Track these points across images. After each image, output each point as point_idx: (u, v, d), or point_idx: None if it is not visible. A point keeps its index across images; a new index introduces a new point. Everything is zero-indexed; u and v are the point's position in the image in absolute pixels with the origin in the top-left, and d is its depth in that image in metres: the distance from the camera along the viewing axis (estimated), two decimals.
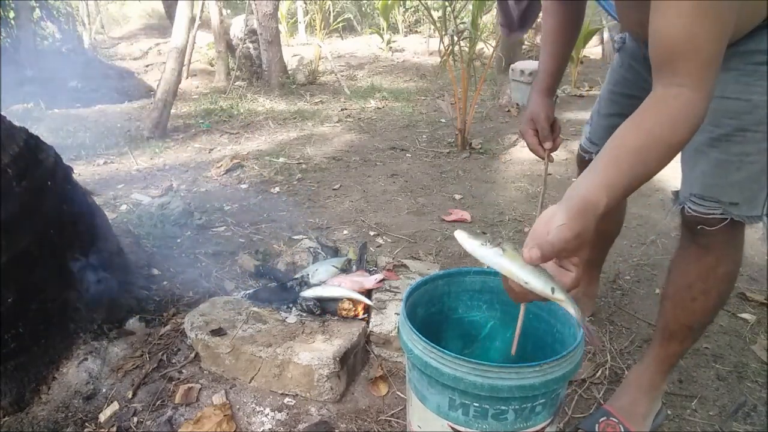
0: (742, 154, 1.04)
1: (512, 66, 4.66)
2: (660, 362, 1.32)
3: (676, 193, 1.20)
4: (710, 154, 1.07)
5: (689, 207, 1.14)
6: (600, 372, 1.55)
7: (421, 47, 8.42)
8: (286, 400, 1.42)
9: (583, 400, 1.46)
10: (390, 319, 1.57)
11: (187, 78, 6.00)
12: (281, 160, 3.49)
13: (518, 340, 1.19)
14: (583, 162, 1.53)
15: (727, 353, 1.63)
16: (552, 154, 1.31)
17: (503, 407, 0.92)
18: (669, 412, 1.40)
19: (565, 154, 3.53)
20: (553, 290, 0.74)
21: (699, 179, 1.11)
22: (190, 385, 1.44)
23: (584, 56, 6.08)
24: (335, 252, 2.00)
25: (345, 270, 1.79)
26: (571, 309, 0.78)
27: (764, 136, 1.01)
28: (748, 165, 1.04)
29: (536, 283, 0.74)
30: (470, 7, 4.19)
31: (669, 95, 0.77)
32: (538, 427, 0.96)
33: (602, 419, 1.31)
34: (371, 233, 2.43)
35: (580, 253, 0.74)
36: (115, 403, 1.38)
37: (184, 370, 1.50)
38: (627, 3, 1.07)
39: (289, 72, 6.07)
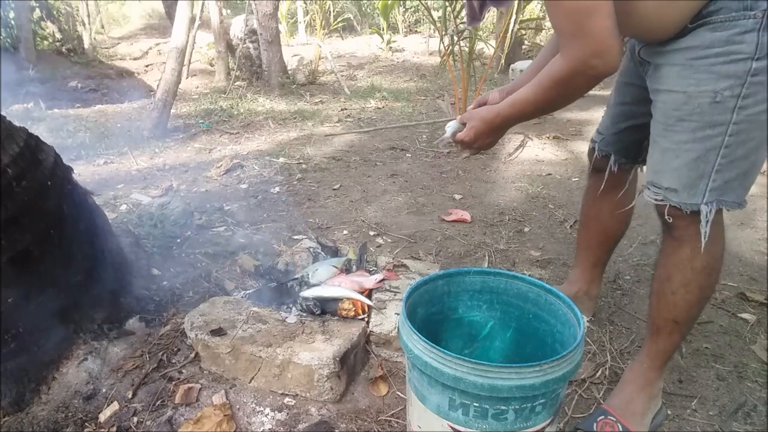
0: (680, 142, 1.14)
1: (512, 66, 4.67)
2: (652, 358, 1.33)
3: None
4: (661, 143, 1.18)
5: (645, 195, 1.24)
6: (600, 372, 1.55)
7: (421, 47, 8.42)
8: (286, 400, 1.42)
9: (583, 400, 1.46)
10: (390, 319, 1.57)
11: (187, 78, 6.00)
12: (281, 160, 3.49)
13: (518, 340, 1.19)
14: (590, 152, 1.60)
15: (727, 353, 1.63)
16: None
17: (503, 407, 0.92)
18: (669, 412, 1.40)
19: (565, 154, 3.54)
20: (447, 124, 1.34)
21: (651, 167, 1.22)
22: (190, 385, 1.44)
23: None
24: (335, 252, 2.00)
25: (345, 270, 1.79)
26: (448, 131, 1.33)
27: (698, 125, 1.10)
28: (685, 153, 1.13)
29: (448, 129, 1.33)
30: None
31: (556, 58, 1.07)
32: (538, 427, 0.96)
33: (600, 418, 1.31)
34: (371, 233, 2.43)
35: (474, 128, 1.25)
36: (115, 403, 1.38)
37: (184, 370, 1.50)
38: None
39: (289, 72, 6.07)
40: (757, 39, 1.00)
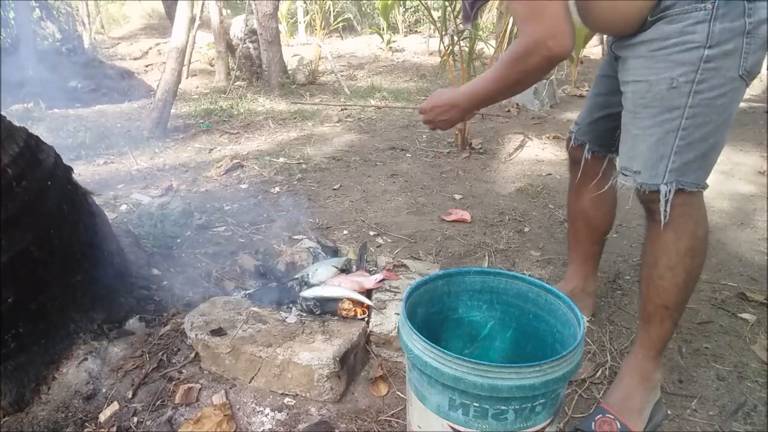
0: (645, 128, 1.21)
1: None
2: (646, 348, 1.34)
3: None
4: (631, 131, 1.25)
5: (618, 180, 1.29)
6: (600, 372, 1.55)
7: (421, 47, 8.43)
8: (286, 400, 1.42)
9: (583, 400, 1.46)
10: (390, 319, 1.57)
11: (187, 78, 6.00)
12: (281, 160, 3.49)
13: (518, 340, 1.19)
14: (567, 142, 1.67)
15: (727, 353, 1.63)
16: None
17: (503, 407, 0.92)
18: (669, 412, 1.40)
19: (565, 154, 3.52)
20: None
21: (623, 154, 1.29)
22: (190, 385, 1.44)
23: (584, 56, 6.08)
24: (335, 252, 2.00)
25: (345, 270, 1.78)
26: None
27: (658, 110, 1.17)
28: (648, 137, 1.21)
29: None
30: None
31: (516, 40, 1.14)
32: (538, 427, 0.96)
33: (598, 417, 1.31)
34: (371, 233, 2.43)
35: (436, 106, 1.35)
36: (115, 403, 1.38)
37: (184, 370, 1.50)
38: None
39: (289, 72, 6.07)
40: (708, 29, 1.08)
